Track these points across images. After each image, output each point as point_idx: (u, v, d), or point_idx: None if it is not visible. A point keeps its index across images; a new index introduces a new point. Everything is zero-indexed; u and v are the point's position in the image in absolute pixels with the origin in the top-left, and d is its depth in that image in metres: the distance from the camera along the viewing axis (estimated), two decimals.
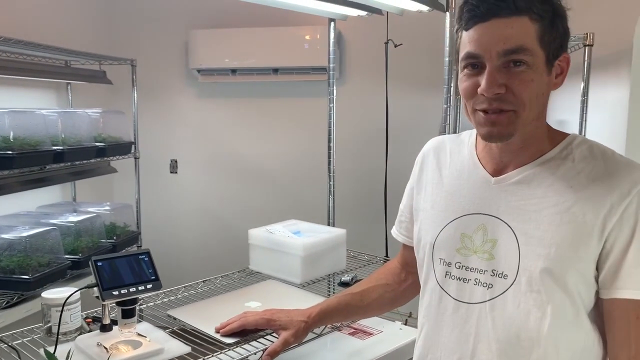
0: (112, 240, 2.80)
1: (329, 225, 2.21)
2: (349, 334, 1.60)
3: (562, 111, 2.54)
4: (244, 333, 1.29)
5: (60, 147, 2.48)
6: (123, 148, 3.02)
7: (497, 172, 1.04)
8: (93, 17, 3.45)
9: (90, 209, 2.91)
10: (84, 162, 2.71)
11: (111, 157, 2.96)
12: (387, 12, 1.91)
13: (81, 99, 3.25)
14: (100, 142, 2.81)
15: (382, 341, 1.56)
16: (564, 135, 1.03)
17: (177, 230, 3.74)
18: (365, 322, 1.64)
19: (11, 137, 2.23)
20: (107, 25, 3.55)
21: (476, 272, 1.02)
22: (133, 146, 3.13)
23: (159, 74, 3.61)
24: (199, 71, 3.42)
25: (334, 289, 1.84)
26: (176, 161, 3.72)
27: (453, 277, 1.05)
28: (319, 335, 1.41)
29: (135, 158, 3.16)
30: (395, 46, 2.27)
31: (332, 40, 2.04)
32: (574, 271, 0.94)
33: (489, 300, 1.00)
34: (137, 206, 3.23)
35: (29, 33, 2.41)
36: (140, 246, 3.17)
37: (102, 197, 3.49)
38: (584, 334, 0.98)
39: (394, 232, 1.29)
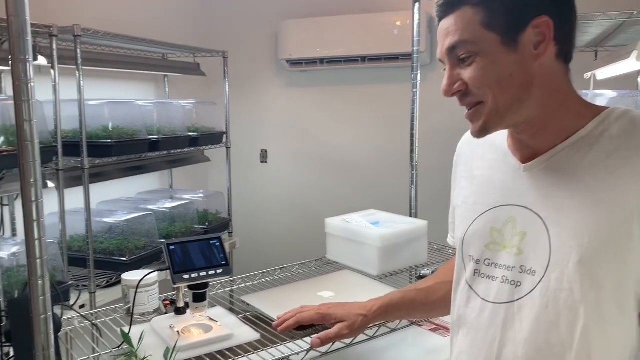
0: (204, 226, 2.90)
1: (410, 216, 2.13)
2: (430, 329, 1.52)
3: None
4: (301, 329, 1.26)
5: (156, 137, 2.59)
6: (215, 138, 3.11)
7: (527, 159, 0.94)
8: (187, 10, 3.58)
9: (185, 196, 3.04)
10: (178, 151, 2.82)
11: (204, 147, 3.06)
12: None
13: (177, 91, 3.40)
14: (194, 132, 2.90)
15: None
16: (602, 109, 0.89)
17: (266, 218, 3.83)
18: (449, 319, 1.55)
19: (110, 126, 2.37)
20: (200, 18, 3.67)
21: (504, 269, 0.92)
22: (225, 136, 3.21)
23: (250, 65, 3.69)
24: (288, 61, 3.45)
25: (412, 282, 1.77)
26: (266, 151, 3.79)
27: (482, 276, 0.96)
28: (394, 330, 1.36)
29: (227, 148, 3.24)
30: None
31: (416, 22, 1.94)
32: (614, 265, 0.82)
33: (516, 300, 0.90)
34: (229, 194, 3.33)
35: (129, 28, 2.54)
36: (232, 232, 3.27)
37: (197, 184, 3.64)
38: (629, 338, 0.85)
39: (449, 239, 1.19)
